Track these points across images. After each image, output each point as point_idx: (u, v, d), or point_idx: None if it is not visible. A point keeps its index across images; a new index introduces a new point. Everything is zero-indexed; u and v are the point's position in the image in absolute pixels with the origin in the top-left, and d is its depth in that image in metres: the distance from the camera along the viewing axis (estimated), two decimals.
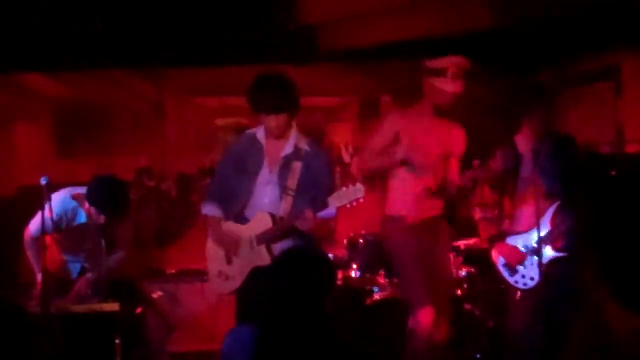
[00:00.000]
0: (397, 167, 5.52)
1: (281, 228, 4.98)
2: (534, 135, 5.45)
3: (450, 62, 5.42)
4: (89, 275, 5.89)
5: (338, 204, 4.73)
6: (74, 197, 5.80)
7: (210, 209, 5.32)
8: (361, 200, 4.69)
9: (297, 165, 5.08)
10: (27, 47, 7.66)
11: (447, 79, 5.41)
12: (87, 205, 5.72)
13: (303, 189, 5.05)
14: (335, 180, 5.24)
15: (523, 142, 5.50)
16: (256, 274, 5.04)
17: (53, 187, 5.35)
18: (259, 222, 5.06)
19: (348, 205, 4.72)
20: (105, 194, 5.71)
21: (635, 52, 7.79)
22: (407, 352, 5.54)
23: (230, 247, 5.15)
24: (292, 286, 3.24)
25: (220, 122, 7.21)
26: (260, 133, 5.22)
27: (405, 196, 5.54)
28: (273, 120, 5.06)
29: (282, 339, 3.36)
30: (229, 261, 5.18)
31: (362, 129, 9.33)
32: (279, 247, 5.05)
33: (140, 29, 7.67)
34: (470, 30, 7.45)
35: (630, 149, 7.56)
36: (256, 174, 5.14)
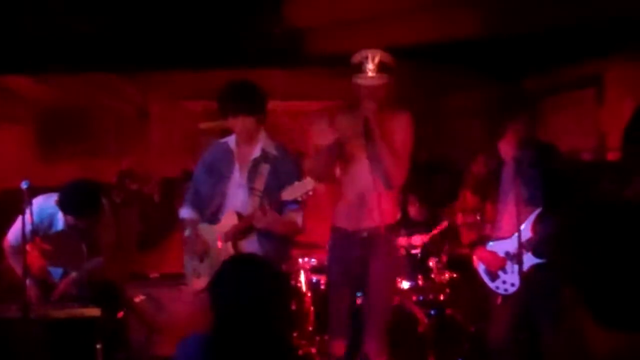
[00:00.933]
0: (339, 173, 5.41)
1: (242, 225, 5.19)
2: (517, 142, 5.45)
3: (362, 56, 5.21)
4: (73, 274, 5.88)
5: (290, 198, 4.98)
6: (52, 202, 5.79)
7: (186, 212, 5.56)
8: (310, 193, 4.92)
9: (265, 168, 5.28)
10: (10, 49, 7.63)
11: (363, 74, 5.20)
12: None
13: (270, 190, 5.20)
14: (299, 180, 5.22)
15: (506, 148, 5.51)
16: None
17: (34, 191, 5.34)
18: (227, 220, 5.28)
19: (300, 199, 4.99)
20: (72, 200, 5.71)
21: (617, 60, 7.83)
22: None
23: (202, 245, 5.34)
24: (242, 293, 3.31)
25: (204, 125, 7.21)
26: (231, 141, 5.45)
27: (340, 205, 5.42)
28: (239, 124, 5.30)
29: (230, 344, 3.38)
30: (201, 259, 5.37)
31: None
32: (245, 245, 5.24)
33: (125, 31, 7.65)
34: (456, 38, 7.46)
35: (612, 156, 7.60)
36: (228, 178, 5.37)
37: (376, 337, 5.32)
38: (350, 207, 5.31)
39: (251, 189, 5.26)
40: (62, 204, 5.70)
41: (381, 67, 5.20)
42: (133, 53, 8.13)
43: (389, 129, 5.28)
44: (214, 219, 5.39)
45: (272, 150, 5.35)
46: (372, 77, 5.19)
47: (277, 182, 5.19)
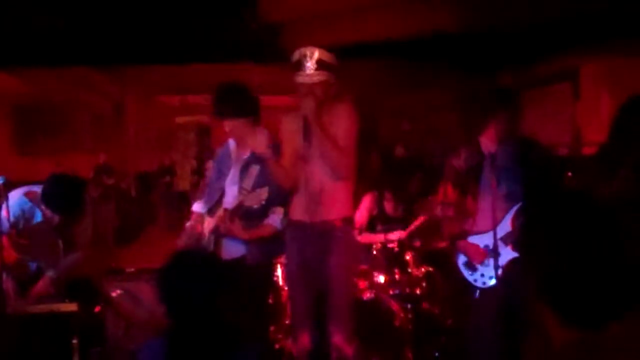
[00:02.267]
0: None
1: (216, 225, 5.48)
2: (498, 137, 5.48)
3: (301, 54, 5.20)
4: (50, 273, 5.87)
5: (249, 204, 5.20)
6: (29, 196, 5.77)
7: (196, 206, 5.84)
8: (263, 203, 5.16)
9: (255, 168, 5.43)
10: None
11: (302, 72, 5.18)
12: (43, 205, 5.71)
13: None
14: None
15: (487, 143, 5.53)
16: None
17: (11, 185, 5.32)
18: (218, 215, 5.53)
19: (256, 206, 5.18)
20: (58, 195, 5.70)
21: (593, 55, 7.89)
22: None
23: (194, 236, 5.63)
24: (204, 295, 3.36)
25: (180, 120, 7.23)
26: (232, 142, 5.69)
27: (294, 199, 5.40)
28: (227, 126, 5.49)
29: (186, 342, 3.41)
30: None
31: None
32: (228, 253, 5.45)
33: (102, 26, 7.63)
34: (432, 33, 7.49)
35: (588, 150, 7.66)
36: (226, 175, 5.65)
37: (342, 328, 5.31)
38: (306, 201, 5.29)
39: (240, 188, 5.40)
40: (46, 199, 5.69)
41: (320, 65, 5.19)
42: (110, 48, 8.11)
43: (331, 122, 5.26)
44: (212, 213, 5.65)
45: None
46: (310, 75, 5.17)
47: (265, 182, 5.29)
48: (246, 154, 5.53)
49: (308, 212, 5.30)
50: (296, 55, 5.21)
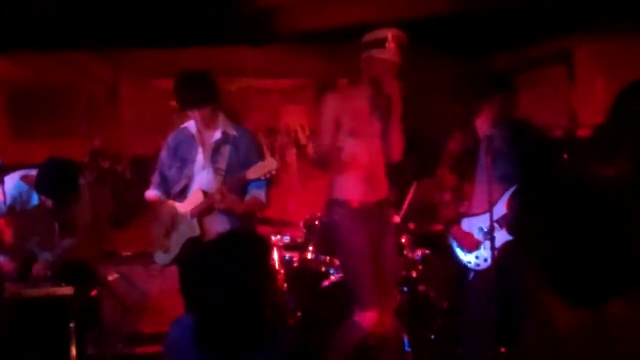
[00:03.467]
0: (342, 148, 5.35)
1: (205, 204, 5.41)
2: (493, 120, 5.49)
3: (388, 32, 5.28)
4: (47, 256, 5.88)
5: (254, 177, 5.23)
6: (26, 180, 5.78)
7: (152, 193, 5.77)
8: (274, 172, 5.19)
9: (226, 148, 5.53)
10: None
11: (386, 49, 5.26)
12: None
13: (232, 169, 5.46)
14: (262, 158, 5.42)
15: (482, 126, 5.53)
16: (189, 244, 5.48)
17: (6, 169, 5.32)
18: (194, 197, 5.51)
19: (263, 178, 5.24)
20: (48, 181, 5.70)
21: (588, 37, 7.88)
22: (336, 341, 5.43)
23: (169, 221, 5.57)
24: (226, 269, 3.33)
25: (175, 103, 7.21)
26: (191, 127, 5.66)
27: (352, 178, 5.38)
28: (197, 115, 5.53)
29: (219, 321, 3.42)
30: (167, 234, 5.59)
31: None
32: (214, 230, 5.40)
33: (96, 10, 7.59)
34: (427, 15, 7.47)
35: (583, 133, 7.65)
36: (193, 161, 5.59)
37: (392, 306, 5.51)
38: (363, 181, 5.36)
39: (216, 169, 5.50)
40: (39, 186, 5.70)
41: (401, 46, 5.29)
42: (104, 31, 8.08)
43: (387, 105, 5.39)
44: (181, 198, 5.61)
45: (232, 131, 5.57)
46: (394, 53, 5.26)
47: (238, 160, 5.47)
48: (214, 137, 5.55)
49: (370, 191, 5.39)
50: (382, 33, 5.28)
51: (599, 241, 1.99)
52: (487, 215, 5.26)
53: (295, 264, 6.85)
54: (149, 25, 7.98)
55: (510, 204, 5.34)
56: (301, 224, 7.04)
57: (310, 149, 5.49)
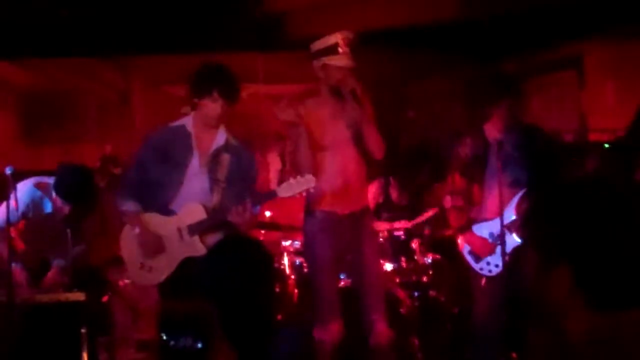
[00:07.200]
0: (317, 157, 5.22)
1: (215, 219, 4.86)
2: (502, 124, 5.48)
3: (338, 36, 5.08)
4: (60, 262, 5.89)
5: (287, 195, 4.78)
6: (39, 187, 5.79)
7: (130, 205, 5.11)
8: (312, 190, 4.79)
9: (226, 158, 5.00)
10: None
11: (340, 55, 5.09)
12: (53, 194, 5.73)
13: (232, 182, 4.99)
14: (258, 173, 5.20)
15: (492, 131, 5.53)
16: (189, 265, 4.92)
17: (19, 175, 5.33)
18: (191, 213, 4.90)
19: (297, 196, 4.80)
20: (72, 184, 5.72)
21: (598, 42, 7.87)
22: None
23: (155, 240, 4.96)
24: (233, 275, 3.32)
25: (186, 110, 7.24)
26: (188, 124, 5.07)
27: (321, 190, 5.14)
28: (218, 108, 4.92)
29: (226, 324, 3.43)
30: (151, 255, 4.99)
31: None
32: (211, 238, 4.95)
33: (107, 16, 7.64)
34: (437, 20, 7.48)
35: (593, 137, 7.65)
36: (185, 165, 4.99)
37: (383, 315, 5.29)
38: (338, 190, 5.21)
39: (215, 180, 4.97)
40: (58, 189, 5.70)
41: (353, 48, 5.13)
42: (115, 38, 8.11)
43: (353, 111, 5.23)
44: (165, 209, 5.00)
45: (232, 140, 5.09)
46: (347, 58, 5.11)
47: (239, 172, 5.02)
48: (215, 141, 5.03)
49: (341, 202, 5.23)
50: (331, 39, 5.12)
51: (625, 246, 2.01)
52: (496, 220, 5.27)
53: (305, 269, 6.86)
54: (160, 32, 8.01)
55: (519, 208, 5.34)
56: (308, 231, 7.03)
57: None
